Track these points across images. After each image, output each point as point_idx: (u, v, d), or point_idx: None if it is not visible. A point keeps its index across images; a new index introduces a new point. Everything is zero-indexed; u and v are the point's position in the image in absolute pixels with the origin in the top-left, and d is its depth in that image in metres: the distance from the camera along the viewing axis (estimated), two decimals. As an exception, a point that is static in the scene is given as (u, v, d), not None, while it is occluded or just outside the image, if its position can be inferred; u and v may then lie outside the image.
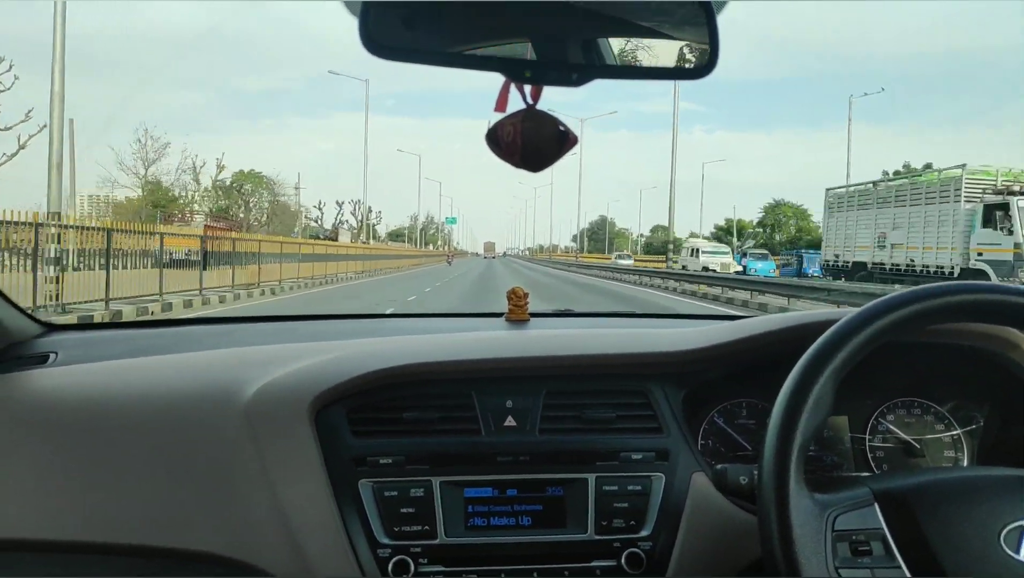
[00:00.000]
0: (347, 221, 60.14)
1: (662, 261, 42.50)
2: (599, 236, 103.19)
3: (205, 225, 26.71)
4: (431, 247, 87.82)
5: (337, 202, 62.54)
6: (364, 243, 49.14)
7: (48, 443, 1.13)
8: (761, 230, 58.98)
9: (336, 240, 41.22)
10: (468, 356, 1.22)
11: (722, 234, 60.05)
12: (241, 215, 44.45)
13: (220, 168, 44.30)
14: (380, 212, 70.29)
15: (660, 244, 76.27)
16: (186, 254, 16.90)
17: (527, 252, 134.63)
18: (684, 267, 33.99)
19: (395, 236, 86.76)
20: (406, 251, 61.64)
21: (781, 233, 58.46)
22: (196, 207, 41.99)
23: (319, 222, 58.05)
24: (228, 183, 45.98)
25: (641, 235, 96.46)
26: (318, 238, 39.04)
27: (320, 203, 61.70)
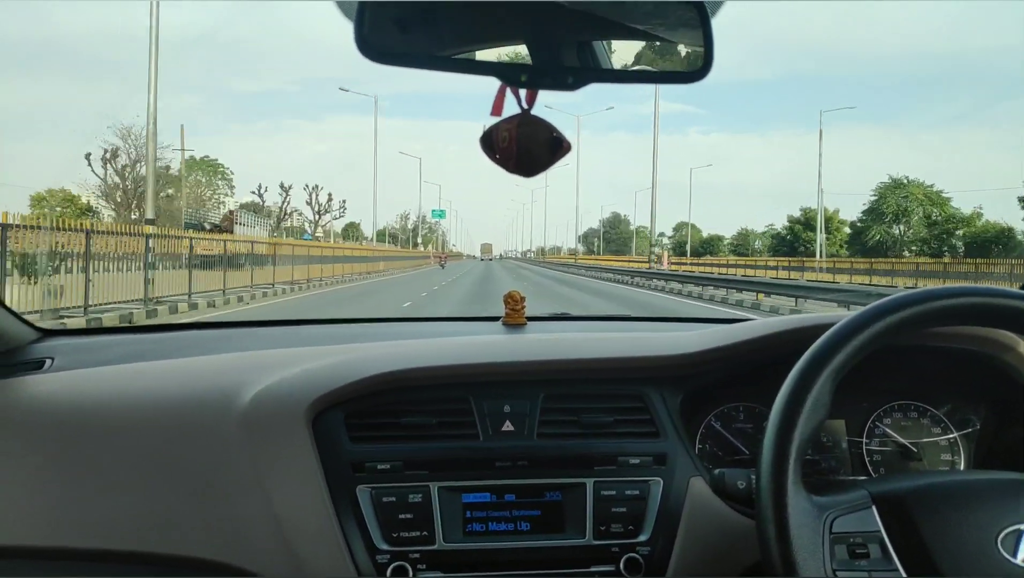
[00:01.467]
0: (296, 212, 50.54)
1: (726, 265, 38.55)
2: (610, 235, 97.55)
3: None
4: (424, 248, 79.29)
5: (282, 185, 49.41)
6: (318, 239, 40.14)
7: (43, 449, 1.12)
8: (863, 222, 49.25)
9: (231, 232, 26.86)
10: (465, 360, 1.22)
11: (800, 229, 52.97)
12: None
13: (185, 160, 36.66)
14: (344, 201, 58.19)
15: (700, 244, 69.17)
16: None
17: (532, 254, 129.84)
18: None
19: (383, 237, 76.82)
20: (385, 252, 49.47)
21: (905, 224, 47.00)
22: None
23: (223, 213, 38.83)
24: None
25: (662, 234, 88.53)
26: (202, 230, 26.45)
27: (260, 188, 48.41)
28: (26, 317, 1.45)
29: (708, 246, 70.03)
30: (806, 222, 52.77)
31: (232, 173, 46.46)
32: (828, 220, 49.57)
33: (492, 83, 0.80)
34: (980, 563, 0.82)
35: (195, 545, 1.06)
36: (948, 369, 1.27)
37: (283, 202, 49.05)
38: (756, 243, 65.86)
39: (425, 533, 1.09)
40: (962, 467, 1.28)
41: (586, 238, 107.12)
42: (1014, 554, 0.82)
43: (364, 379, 1.16)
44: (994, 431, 1.28)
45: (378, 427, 1.15)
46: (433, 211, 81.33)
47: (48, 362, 1.33)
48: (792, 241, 53.77)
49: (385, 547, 1.07)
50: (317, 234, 46.03)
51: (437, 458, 1.13)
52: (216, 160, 48.98)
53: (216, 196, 48.47)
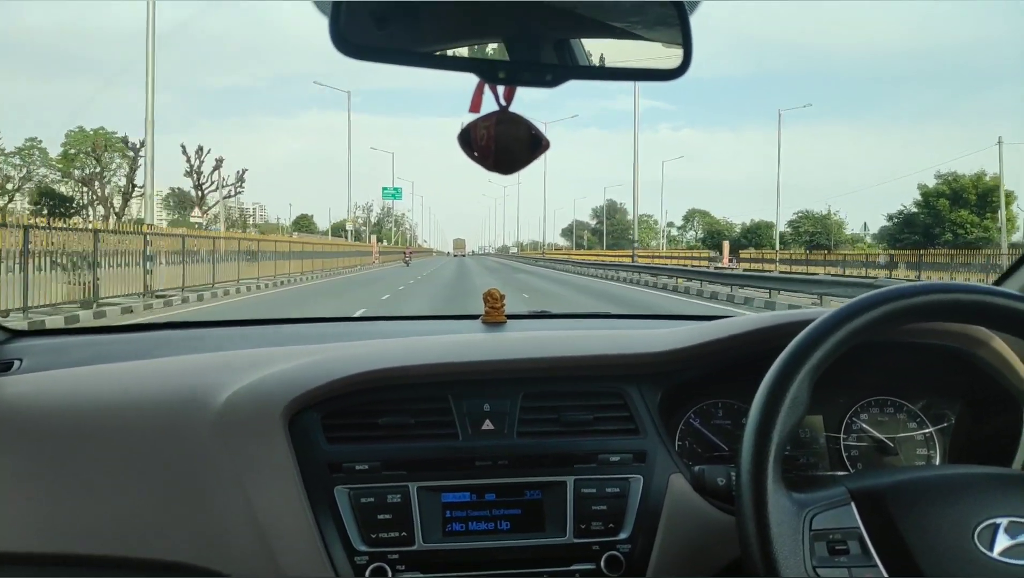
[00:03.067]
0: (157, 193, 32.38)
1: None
2: (601, 228, 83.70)
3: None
4: (368, 241, 57.85)
5: (126, 142, 35.53)
6: (198, 227, 27.12)
7: (11, 452, 1.10)
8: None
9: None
10: (444, 359, 1.21)
11: (944, 206, 40.63)
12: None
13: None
14: (243, 172, 42.08)
15: (752, 232, 58.14)
16: None
17: (515, 249, 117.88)
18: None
19: (338, 230, 63.20)
20: (315, 244, 35.42)
21: (943, 231, 38.77)
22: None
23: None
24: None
25: (671, 224, 79.53)
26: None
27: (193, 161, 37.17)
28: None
29: (754, 236, 59.14)
30: (955, 195, 39.74)
31: (137, 146, 32.38)
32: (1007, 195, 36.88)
33: (468, 80, 0.77)
34: (957, 557, 0.83)
35: (170, 549, 1.05)
36: (924, 365, 1.29)
37: (130, 171, 35.66)
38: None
39: (404, 533, 1.08)
40: (937, 461, 1.29)
41: (572, 232, 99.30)
42: (990, 547, 0.83)
43: (341, 379, 1.14)
44: (969, 426, 1.29)
45: (356, 427, 1.14)
46: (384, 190, 60.49)
47: (17, 363, 1.30)
48: (928, 223, 41.17)
49: (364, 548, 1.06)
50: (195, 220, 31.55)
51: (416, 458, 1.12)
52: (114, 133, 38.55)
53: (107, 175, 38.55)
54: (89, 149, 38.58)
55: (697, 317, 1.61)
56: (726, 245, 37.70)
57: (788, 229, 55.44)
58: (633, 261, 31.35)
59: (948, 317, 0.95)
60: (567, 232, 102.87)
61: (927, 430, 1.31)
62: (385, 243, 74.69)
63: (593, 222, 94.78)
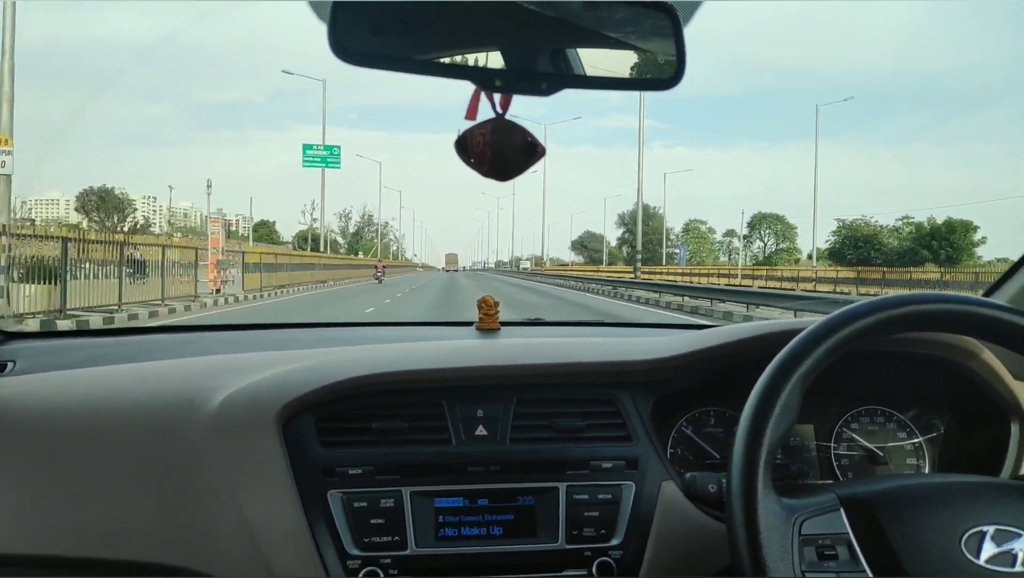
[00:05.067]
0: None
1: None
2: (625, 238, 72.47)
3: None
4: (360, 255, 50.95)
5: None
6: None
7: (3, 454, 1.10)
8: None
9: None
10: (438, 365, 1.21)
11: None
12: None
13: None
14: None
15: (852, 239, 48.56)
16: None
17: (527, 264, 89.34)
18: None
19: (313, 243, 54.24)
20: (259, 252, 26.02)
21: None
22: None
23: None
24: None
25: (730, 233, 64.53)
26: None
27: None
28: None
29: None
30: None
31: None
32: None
33: (462, 94, 0.78)
34: (944, 564, 0.84)
35: (163, 552, 1.05)
36: (914, 375, 1.30)
37: None
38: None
39: (397, 538, 1.08)
40: (927, 471, 1.30)
41: (581, 245, 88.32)
42: (977, 555, 0.84)
43: (336, 383, 1.15)
44: (957, 436, 1.30)
45: (349, 432, 1.14)
46: (305, 151, 41.22)
47: (11, 365, 1.30)
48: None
49: (356, 552, 1.06)
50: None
51: (409, 463, 1.13)
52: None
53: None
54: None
55: (690, 326, 1.62)
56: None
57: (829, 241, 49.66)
58: (636, 276, 27.93)
59: (937, 327, 0.96)
60: (578, 245, 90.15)
61: (916, 440, 1.32)
62: (361, 255, 61.93)
63: (619, 231, 78.51)
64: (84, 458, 1.09)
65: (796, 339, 0.93)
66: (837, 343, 0.91)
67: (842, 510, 0.90)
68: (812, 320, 0.97)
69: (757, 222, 63.31)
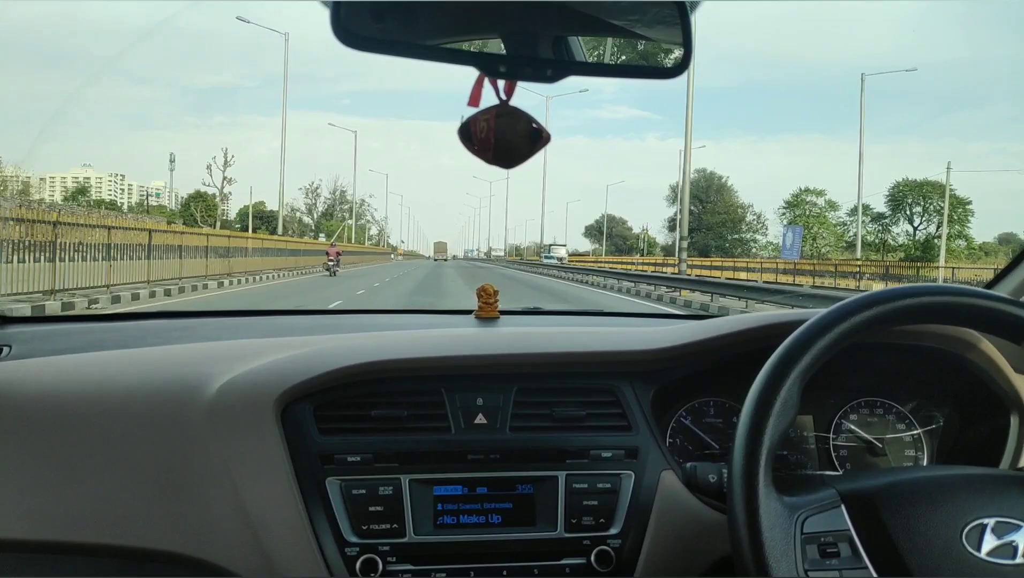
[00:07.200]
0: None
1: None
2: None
3: None
4: (323, 238, 41.27)
5: None
6: None
7: (1, 439, 1.09)
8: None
9: None
10: (438, 353, 1.21)
11: None
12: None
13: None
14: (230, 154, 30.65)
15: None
16: None
17: (562, 256, 57.52)
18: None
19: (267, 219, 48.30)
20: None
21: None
22: None
23: None
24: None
25: (882, 216, 46.12)
26: None
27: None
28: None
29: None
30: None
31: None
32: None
33: (459, 81, 0.76)
34: (946, 558, 0.84)
35: (160, 538, 1.04)
36: (913, 367, 1.30)
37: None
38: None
39: (395, 526, 1.08)
40: (925, 462, 1.31)
41: (598, 231, 73.46)
42: (978, 548, 0.84)
43: (335, 370, 1.14)
44: (957, 427, 1.30)
45: (348, 419, 1.14)
46: None
47: (5, 350, 1.29)
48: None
49: (354, 540, 1.06)
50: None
51: (408, 451, 1.12)
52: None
53: None
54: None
55: (690, 316, 1.62)
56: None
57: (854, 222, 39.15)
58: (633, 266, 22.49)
59: (937, 319, 0.96)
60: (594, 231, 74.87)
61: (915, 432, 1.32)
62: (323, 238, 47.23)
63: (671, 210, 58.35)
64: (81, 444, 1.09)
65: (794, 334, 0.92)
66: (836, 338, 0.91)
67: (843, 506, 0.90)
68: (814, 311, 0.97)
69: (902, 196, 45.24)
